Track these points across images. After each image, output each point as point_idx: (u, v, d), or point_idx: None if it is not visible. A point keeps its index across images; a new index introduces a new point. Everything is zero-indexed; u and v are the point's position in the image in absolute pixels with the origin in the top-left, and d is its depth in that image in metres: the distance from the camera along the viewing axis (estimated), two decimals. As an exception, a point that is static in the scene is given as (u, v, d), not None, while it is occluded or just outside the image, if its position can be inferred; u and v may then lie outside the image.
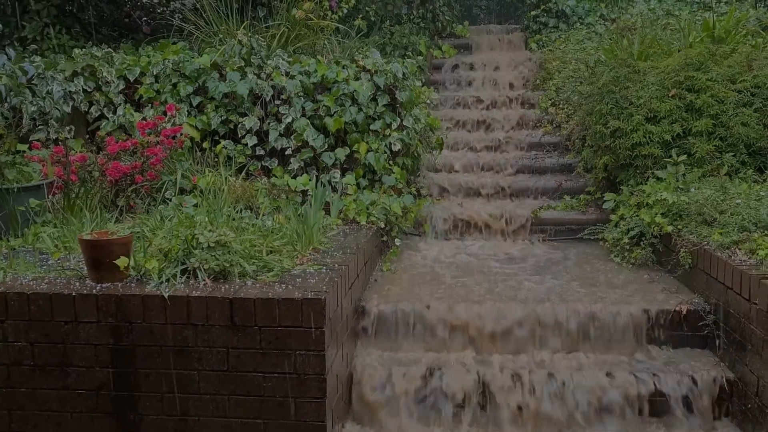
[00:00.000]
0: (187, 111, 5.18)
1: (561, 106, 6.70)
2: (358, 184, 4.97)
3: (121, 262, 3.06)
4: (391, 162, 5.10)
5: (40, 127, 5.28)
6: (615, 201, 5.03)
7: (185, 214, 3.97)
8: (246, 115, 5.16)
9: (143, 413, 3.03)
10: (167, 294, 2.94)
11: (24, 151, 4.56)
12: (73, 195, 4.20)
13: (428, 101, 5.81)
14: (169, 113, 4.93)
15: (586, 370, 3.52)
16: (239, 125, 5.11)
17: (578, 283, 4.21)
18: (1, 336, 3.03)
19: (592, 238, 5.15)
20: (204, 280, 3.10)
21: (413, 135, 5.24)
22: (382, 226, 4.63)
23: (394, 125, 5.13)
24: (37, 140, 5.16)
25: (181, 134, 4.89)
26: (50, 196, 4.16)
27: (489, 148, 6.44)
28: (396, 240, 4.82)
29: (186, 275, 3.14)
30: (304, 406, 2.96)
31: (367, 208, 4.63)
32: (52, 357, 3.03)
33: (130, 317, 2.97)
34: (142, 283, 3.08)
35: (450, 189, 5.84)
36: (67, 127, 5.30)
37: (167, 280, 3.09)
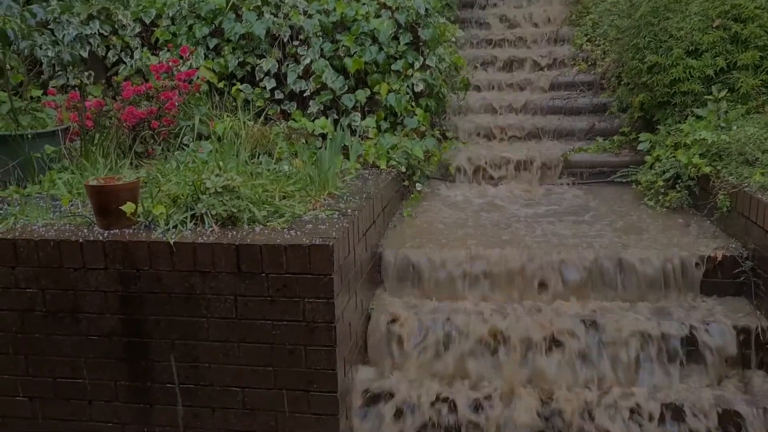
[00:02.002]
0: (204, 54, 5.05)
1: (597, 42, 6.34)
2: (379, 127, 4.80)
3: (128, 207, 2.99)
4: (413, 104, 4.90)
5: (59, 73, 5.24)
6: (651, 142, 4.76)
7: (200, 160, 3.89)
8: (264, 57, 5.00)
9: (155, 359, 3.01)
10: (173, 240, 2.88)
11: (39, 98, 4.51)
12: (89, 141, 4.15)
13: (453, 39, 5.53)
14: (183, 56, 4.80)
15: (616, 318, 3.36)
16: (257, 68, 4.96)
17: (609, 228, 4.02)
18: (13, 282, 3.03)
19: (624, 181, 4.90)
20: (211, 227, 3.02)
21: (437, 75, 5.01)
22: (403, 170, 4.48)
23: (417, 65, 4.91)
24: (59, 86, 5.12)
25: (197, 78, 4.77)
26: (67, 143, 4.12)
27: (519, 88, 6.16)
28: (417, 185, 4.66)
29: (194, 221, 3.07)
30: (314, 353, 2.89)
31: (388, 152, 4.47)
32: (64, 303, 3.01)
33: (137, 264, 2.92)
34: (150, 230, 3.02)
35: (477, 131, 5.62)
36: (86, 73, 5.24)
37: (175, 227, 3.02)
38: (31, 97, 4.66)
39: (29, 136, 3.92)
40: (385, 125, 4.82)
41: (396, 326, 3.43)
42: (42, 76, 5.26)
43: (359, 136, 4.70)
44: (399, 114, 4.81)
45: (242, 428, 3.02)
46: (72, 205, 3.45)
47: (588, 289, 3.57)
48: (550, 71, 6.33)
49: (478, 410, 3.17)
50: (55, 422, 3.16)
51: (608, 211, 4.42)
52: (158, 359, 3.01)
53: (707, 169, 3.99)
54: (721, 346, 3.24)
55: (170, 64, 4.68)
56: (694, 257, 3.52)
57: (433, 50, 4.99)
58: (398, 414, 3.16)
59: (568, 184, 5.11)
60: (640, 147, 4.86)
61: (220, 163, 3.51)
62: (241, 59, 4.99)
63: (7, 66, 5.01)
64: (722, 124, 4.22)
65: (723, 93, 4.39)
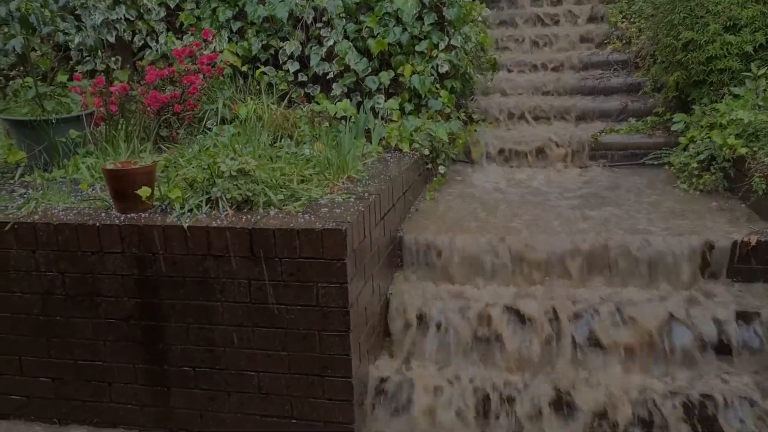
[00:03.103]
0: (228, 37, 5.03)
1: (632, 19, 6.11)
2: (402, 110, 4.73)
3: (143, 191, 2.99)
4: (438, 85, 4.80)
5: (87, 58, 5.29)
6: (685, 122, 4.57)
7: (221, 144, 3.88)
8: (287, 39, 4.96)
9: (171, 343, 3.03)
10: (186, 224, 2.87)
11: (65, 83, 4.56)
12: (113, 126, 4.18)
13: (480, 18, 5.39)
14: (206, 39, 4.79)
15: (644, 304, 3.25)
16: (280, 51, 4.92)
17: (639, 212, 3.88)
18: (33, 266, 3.07)
19: (656, 163, 4.73)
20: (226, 210, 3.00)
21: (462, 56, 4.90)
22: (427, 153, 4.39)
23: (442, 45, 4.80)
24: (87, 71, 5.18)
25: (221, 61, 4.76)
26: (92, 127, 4.15)
27: (549, 68, 5.99)
28: (441, 168, 4.58)
29: (210, 205, 3.06)
30: (328, 339, 2.87)
31: (411, 135, 4.39)
32: (82, 287, 3.05)
33: (153, 248, 2.92)
34: (165, 214, 3.02)
35: (504, 113, 5.49)
36: (113, 58, 5.28)
37: (190, 211, 3.02)
38: (60, 83, 4.72)
39: (54, 121, 3.97)
40: (409, 107, 4.73)
41: (415, 311, 3.38)
42: (70, 62, 5.32)
43: (382, 118, 4.63)
44: (423, 96, 4.72)
45: (258, 412, 3.02)
46: (93, 189, 3.47)
47: (613, 274, 3.45)
48: (582, 50, 6.14)
49: (510, 402, 3.08)
50: (77, 403, 3.21)
51: (639, 194, 4.27)
52: (174, 343, 3.02)
53: (743, 150, 3.81)
54: (751, 335, 3.11)
55: (193, 47, 4.67)
56: (727, 242, 3.37)
57: (458, 30, 4.87)
58: (416, 402, 3.11)
59: (599, 166, 4.96)
60: (673, 128, 4.68)
61: (236, 146, 3.49)
62: (264, 42, 4.96)
63: (37, 52, 5.10)
64: (760, 103, 4.02)
65: (763, 70, 4.18)
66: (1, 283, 3.13)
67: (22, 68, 5.11)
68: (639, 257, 3.40)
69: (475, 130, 5.08)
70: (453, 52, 4.82)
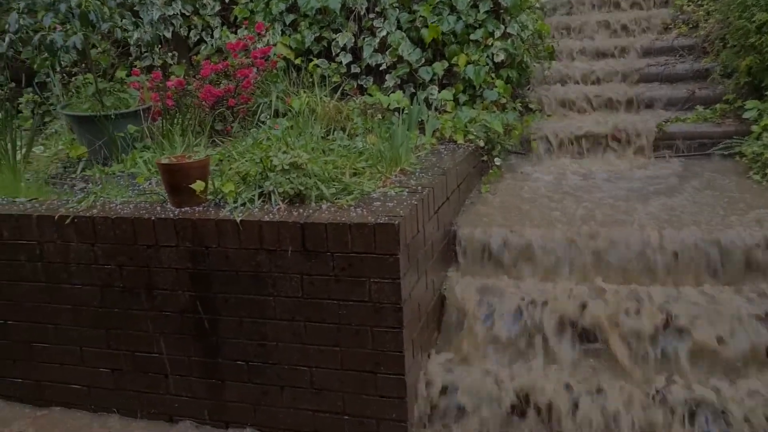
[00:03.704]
0: (281, 30, 5.02)
1: (699, 2, 5.82)
2: (456, 100, 4.62)
3: (197, 186, 3.01)
4: (493, 75, 4.67)
5: (145, 54, 5.38)
6: (758, 110, 4.32)
7: (274, 137, 3.87)
8: (339, 31, 4.92)
9: (225, 337, 3.04)
10: (239, 219, 2.87)
11: (123, 79, 4.64)
12: (168, 120, 4.23)
13: (537, 5, 5.22)
14: (259, 33, 4.79)
15: (714, 305, 3.08)
16: (333, 42, 4.88)
17: (706, 206, 3.68)
18: (92, 259, 3.13)
19: (727, 153, 4.48)
20: (278, 204, 2.98)
21: (519, 44, 4.75)
22: (482, 145, 4.28)
23: (497, 33, 4.66)
24: (145, 67, 5.27)
25: (274, 54, 4.75)
26: (149, 122, 4.22)
27: (610, 55, 5.76)
28: (497, 160, 4.46)
29: (262, 199, 3.05)
30: (380, 335, 2.81)
31: (465, 126, 4.29)
32: (139, 280, 3.09)
33: (206, 242, 2.93)
34: (219, 208, 3.02)
35: (563, 103, 5.30)
36: (170, 53, 5.35)
37: (243, 205, 3.01)
38: (119, 79, 4.81)
39: (113, 116, 4.04)
40: (463, 98, 4.63)
41: (470, 307, 3.29)
42: (130, 58, 5.43)
43: (436, 109, 4.54)
44: (478, 86, 4.60)
45: (310, 407, 3.00)
46: (149, 183, 3.52)
47: (683, 272, 3.28)
48: (645, 36, 5.88)
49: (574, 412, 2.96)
50: (134, 394, 3.26)
51: (708, 186, 4.06)
52: (228, 336, 3.03)
53: (824, 139, 3.56)
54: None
55: (247, 41, 4.68)
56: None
57: (515, 17, 4.73)
58: (471, 403, 3.02)
59: (664, 157, 4.73)
60: (746, 116, 4.42)
61: (289, 140, 3.47)
62: (317, 34, 4.93)
63: (98, 48, 5.22)
64: (843, 88, 3.75)
65: None
66: (63, 276, 3.20)
67: (83, 65, 5.24)
68: (711, 253, 3.22)
69: (532, 121, 4.93)
70: (509, 41, 4.68)
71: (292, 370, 2.98)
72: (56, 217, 3.12)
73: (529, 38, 4.93)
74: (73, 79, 4.96)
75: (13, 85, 5.67)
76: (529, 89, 5.31)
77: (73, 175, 4.00)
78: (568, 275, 3.42)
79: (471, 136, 4.24)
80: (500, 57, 4.64)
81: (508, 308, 3.25)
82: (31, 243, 3.19)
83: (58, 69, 5.17)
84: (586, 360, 3.14)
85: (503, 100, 4.65)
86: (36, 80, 5.48)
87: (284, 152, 3.09)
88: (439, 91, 4.62)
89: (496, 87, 4.61)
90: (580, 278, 3.39)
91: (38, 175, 3.92)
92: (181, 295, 3.04)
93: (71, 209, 3.17)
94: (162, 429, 3.23)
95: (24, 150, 4.05)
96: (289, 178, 3.03)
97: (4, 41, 5.10)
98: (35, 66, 5.41)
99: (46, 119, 5.32)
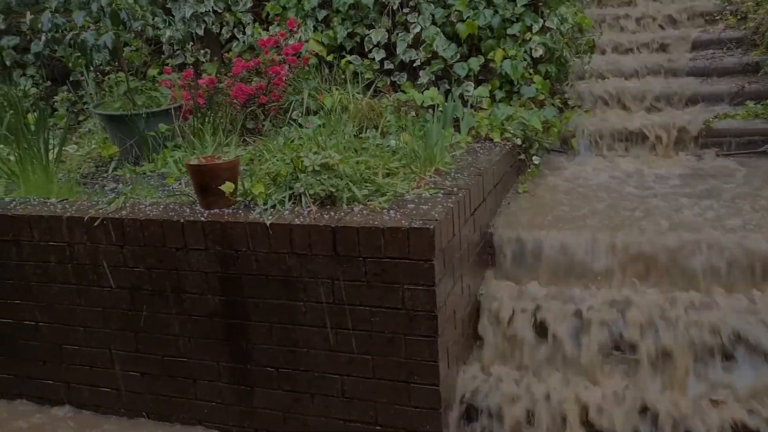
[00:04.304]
0: (313, 26, 4.94)
1: (749, -9, 5.55)
2: (493, 97, 4.47)
3: (226, 187, 2.93)
4: (531, 70, 4.51)
5: (177, 52, 5.35)
6: (814, 105, 4.07)
7: (305, 135, 3.79)
8: (373, 27, 4.81)
9: (254, 342, 2.96)
10: (269, 222, 2.78)
11: (154, 77, 4.61)
12: (199, 118, 4.18)
13: (577, -3, 5.04)
14: (291, 29, 4.71)
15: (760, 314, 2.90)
16: (365, 38, 4.78)
17: (756, 209, 3.48)
18: (122, 261, 3.08)
19: (781, 151, 4.26)
20: (309, 207, 2.89)
21: (558, 38, 4.57)
22: (519, 143, 4.13)
23: (536, 28, 4.50)
24: (177, 65, 5.24)
25: (306, 51, 4.67)
26: (180, 120, 4.17)
27: (654, 49, 5.53)
28: (535, 158, 4.30)
29: (293, 201, 2.96)
30: (414, 344, 2.71)
31: (502, 124, 4.14)
32: (168, 283, 3.03)
33: (235, 245, 2.86)
34: (248, 210, 2.95)
35: (604, 99, 5.09)
36: (202, 51, 5.31)
37: (273, 207, 2.93)
38: (151, 77, 4.78)
39: (144, 115, 4.01)
40: (500, 94, 4.48)
41: (507, 314, 3.16)
42: (162, 56, 5.40)
43: (472, 106, 4.40)
44: (515, 82, 4.45)
45: (341, 416, 2.91)
46: (179, 183, 3.46)
47: (740, 279, 3.10)
48: (690, 28, 5.64)
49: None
50: (164, 398, 3.22)
51: (760, 187, 3.84)
52: (257, 342, 2.95)
53: None
54: None
55: (278, 37, 4.60)
56: None
57: (554, 11, 4.56)
58: (509, 414, 2.90)
59: (711, 155, 4.51)
60: (800, 112, 4.18)
61: (320, 139, 3.37)
62: (349, 30, 4.83)
63: (131, 47, 5.20)
64: None
65: None
66: (93, 278, 3.17)
67: (116, 63, 5.23)
68: (750, 260, 3.04)
69: (572, 118, 4.75)
70: (548, 35, 4.51)
71: (323, 378, 2.89)
72: (86, 219, 3.08)
73: (569, 32, 4.75)
74: (107, 77, 4.95)
75: (49, 83, 5.70)
76: (568, 85, 5.13)
77: (105, 175, 3.97)
78: (609, 280, 3.26)
79: (508, 134, 4.09)
80: (538, 52, 4.48)
81: (546, 315, 3.11)
82: (62, 244, 3.17)
83: (91, 68, 5.17)
84: (619, 368, 2.99)
85: (541, 97, 4.48)
86: (71, 78, 5.50)
87: (315, 152, 3.00)
88: (474, 88, 4.48)
89: (534, 83, 4.45)
90: (620, 283, 3.23)
91: (70, 174, 3.90)
92: (210, 299, 2.97)
93: (101, 210, 3.13)
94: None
95: (56, 149, 4.04)
96: (320, 180, 2.93)
97: (40, 40, 5.14)
98: (70, 65, 5.43)
99: (81, 118, 5.33)
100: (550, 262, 3.31)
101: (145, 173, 3.84)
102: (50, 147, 3.86)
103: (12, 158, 3.91)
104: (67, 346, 3.32)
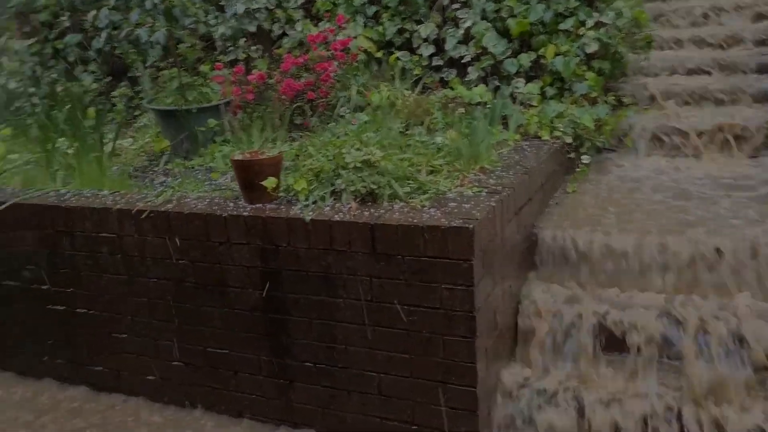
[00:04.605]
0: (363, 22, 4.93)
1: (823, -17, 5.25)
2: (543, 94, 4.37)
3: (269, 182, 2.96)
4: (584, 66, 4.38)
5: (230, 48, 5.44)
6: None
7: (351, 132, 3.79)
8: (422, 22, 4.77)
9: (294, 337, 2.98)
10: (309, 218, 2.79)
11: (206, 73, 4.70)
12: (248, 114, 4.23)
13: (635, -10, 4.87)
14: (339, 25, 4.72)
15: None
16: (415, 34, 4.74)
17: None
18: (167, 253, 3.15)
19: None
20: (349, 203, 2.88)
21: (613, 33, 4.43)
22: (569, 141, 4.02)
23: (590, 22, 4.37)
24: (229, 61, 5.32)
25: (354, 47, 4.67)
26: (229, 116, 4.24)
27: (717, 44, 5.28)
28: (585, 157, 4.17)
29: (334, 197, 2.96)
30: (452, 344, 2.67)
31: (552, 121, 4.04)
32: (211, 276, 3.08)
33: (276, 240, 2.88)
34: (290, 205, 2.96)
35: (662, 96, 4.90)
36: (254, 47, 5.38)
37: (314, 203, 2.94)
38: (203, 73, 4.87)
39: (194, 110, 4.09)
40: (551, 91, 4.36)
41: (550, 316, 3.08)
42: (215, 52, 5.50)
43: (521, 104, 4.31)
44: (567, 79, 4.33)
45: (378, 414, 2.90)
46: (225, 178, 3.51)
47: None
48: (756, 22, 5.37)
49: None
50: (207, 389, 3.28)
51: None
52: (297, 337, 2.97)
53: None
54: None
55: (326, 33, 4.62)
56: None
57: (609, 5, 4.42)
58: (548, 420, 2.83)
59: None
60: None
61: (363, 136, 3.36)
62: (399, 26, 4.80)
63: (186, 43, 5.32)
64: None
65: None
66: (141, 269, 3.25)
67: (170, 59, 5.36)
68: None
69: (626, 116, 4.59)
70: (603, 30, 4.38)
71: (361, 375, 2.89)
72: (134, 211, 3.16)
73: (625, 27, 4.59)
74: (161, 73, 5.07)
75: (109, 79, 5.88)
76: (623, 81, 4.96)
77: (156, 169, 4.08)
78: (660, 286, 3.14)
79: (558, 132, 3.99)
80: (592, 48, 4.35)
81: (591, 319, 3.01)
82: (112, 236, 3.26)
83: (147, 64, 5.30)
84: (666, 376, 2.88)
85: (594, 94, 4.35)
86: (129, 74, 5.66)
87: (357, 149, 2.99)
88: (524, 85, 4.39)
89: (586, 80, 4.33)
90: (674, 290, 3.10)
91: (123, 167, 4.02)
92: (251, 294, 3.01)
93: (149, 203, 3.20)
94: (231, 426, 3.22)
95: (111, 143, 4.16)
96: (361, 176, 2.92)
97: (101, 37, 5.32)
98: (128, 61, 5.59)
99: (137, 112, 5.49)
100: (597, 265, 3.21)
101: (193, 167, 3.92)
102: (105, 141, 3.98)
103: (70, 151, 4.05)
104: (117, 334, 3.42)
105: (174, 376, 3.32)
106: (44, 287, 3.52)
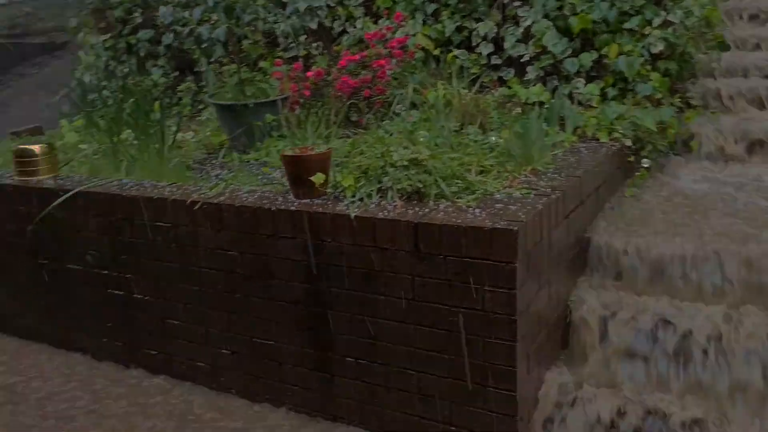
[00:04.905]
0: (423, 20, 4.92)
1: None
2: (604, 95, 4.24)
3: (317, 178, 2.99)
4: (649, 67, 4.23)
5: (291, 45, 5.53)
6: None
7: (405, 130, 3.79)
8: (482, 20, 4.71)
9: (336, 332, 3.01)
10: (354, 214, 2.81)
11: (267, 69, 4.79)
12: (304, 110, 4.29)
13: (707, -12, 4.65)
14: (397, 22, 4.72)
15: None
16: (473, 32, 4.69)
17: None
18: (218, 244, 3.23)
19: None
20: (394, 201, 2.89)
21: (682, 32, 4.26)
22: (629, 144, 3.89)
23: (656, 21, 4.21)
24: (290, 57, 5.41)
25: (412, 45, 4.66)
26: (285, 112, 4.31)
27: (797, 45, 5.01)
28: (645, 161, 4.02)
29: (380, 195, 2.97)
30: (492, 347, 2.63)
31: (611, 123, 3.92)
32: (258, 268, 3.14)
33: (321, 235, 2.91)
34: (336, 201, 2.99)
35: (733, 98, 4.66)
36: (314, 44, 5.45)
37: (361, 199, 2.95)
38: (262, 69, 4.98)
39: (251, 105, 4.18)
40: (612, 92, 4.23)
41: (599, 324, 3.00)
42: (277, 49, 5.60)
43: (580, 104, 4.20)
44: (630, 79, 4.19)
45: (416, 413, 2.89)
46: (276, 173, 3.58)
47: None
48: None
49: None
50: (251, 378, 3.35)
51: None
52: (339, 332, 3.00)
53: None
54: None
55: (384, 31, 4.63)
56: None
57: (678, 3, 4.25)
58: (591, 429, 2.75)
59: None
60: None
61: (414, 134, 3.36)
62: (458, 24, 4.77)
63: (249, 40, 5.44)
64: None
65: None
66: (193, 259, 3.35)
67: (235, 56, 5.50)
68: None
69: (693, 119, 4.40)
70: (670, 29, 4.21)
71: (400, 373, 2.89)
72: (188, 202, 3.26)
73: (694, 26, 4.40)
74: (223, 69, 5.21)
75: (177, 73, 6.09)
76: (691, 83, 4.76)
77: (214, 162, 4.19)
78: (718, 299, 3.00)
79: (617, 134, 3.87)
80: (658, 47, 4.19)
81: (642, 328, 2.91)
82: (167, 225, 3.37)
83: (211, 59, 5.45)
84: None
85: (658, 95, 4.20)
86: (195, 69, 5.84)
87: (405, 147, 2.99)
88: (585, 85, 4.27)
89: (651, 80, 4.17)
90: (733, 304, 2.95)
91: (183, 160, 4.15)
92: (296, 287, 3.05)
93: (202, 195, 3.29)
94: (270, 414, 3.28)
95: (172, 136, 4.30)
96: (407, 175, 2.92)
97: (170, 34, 5.50)
98: (194, 56, 5.76)
99: (200, 107, 5.65)
100: (650, 273, 3.10)
101: (249, 161, 4.01)
102: (168, 134, 4.12)
103: (135, 143, 4.22)
104: (169, 320, 3.53)
105: (221, 364, 3.41)
106: (105, 272, 3.68)
